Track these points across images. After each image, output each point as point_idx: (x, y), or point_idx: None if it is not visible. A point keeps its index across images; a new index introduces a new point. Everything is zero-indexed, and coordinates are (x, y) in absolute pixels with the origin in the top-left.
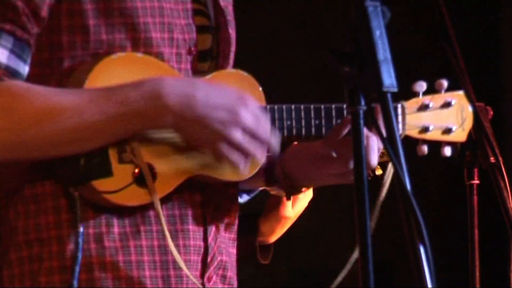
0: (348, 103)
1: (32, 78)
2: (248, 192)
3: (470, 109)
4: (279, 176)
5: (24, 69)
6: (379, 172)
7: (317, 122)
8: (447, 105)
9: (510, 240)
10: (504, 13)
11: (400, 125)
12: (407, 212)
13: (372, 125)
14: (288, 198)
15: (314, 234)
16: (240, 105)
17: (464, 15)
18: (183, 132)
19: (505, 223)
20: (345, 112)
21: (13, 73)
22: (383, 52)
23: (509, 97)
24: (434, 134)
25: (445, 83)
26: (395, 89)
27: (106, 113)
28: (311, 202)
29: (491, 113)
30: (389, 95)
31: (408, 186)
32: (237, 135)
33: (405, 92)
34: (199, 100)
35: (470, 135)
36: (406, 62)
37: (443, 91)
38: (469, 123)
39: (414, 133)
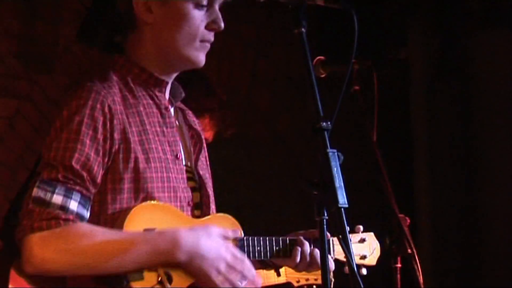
0: (316, 214)
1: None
2: None
3: (377, 244)
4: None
5: (87, 215)
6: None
7: (277, 248)
8: (362, 240)
9: None
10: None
11: (331, 251)
12: (354, 284)
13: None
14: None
15: None
16: (223, 248)
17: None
18: (189, 266)
19: None
20: (292, 242)
21: (81, 217)
22: (339, 181)
23: (420, 209)
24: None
25: (361, 227)
26: (347, 205)
27: (141, 252)
28: None
29: (408, 220)
30: (342, 209)
31: (355, 268)
32: (222, 266)
33: None
34: (202, 246)
35: (394, 234)
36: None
37: (360, 232)
38: (377, 253)
39: (340, 257)
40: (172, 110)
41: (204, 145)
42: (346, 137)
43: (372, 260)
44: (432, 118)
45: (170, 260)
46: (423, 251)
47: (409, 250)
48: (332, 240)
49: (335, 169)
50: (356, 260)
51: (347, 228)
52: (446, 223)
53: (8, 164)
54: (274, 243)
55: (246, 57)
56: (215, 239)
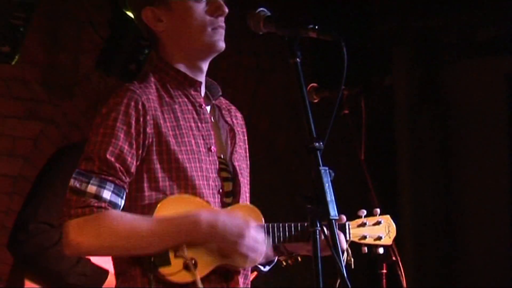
0: (310, 225)
1: (123, 209)
2: (269, 263)
3: (393, 226)
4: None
5: (121, 202)
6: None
7: (295, 233)
8: (378, 223)
9: None
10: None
11: (347, 234)
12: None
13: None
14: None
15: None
16: (244, 229)
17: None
18: (211, 242)
19: None
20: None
21: (114, 205)
22: (330, 196)
23: (403, 220)
24: (369, 240)
25: (378, 210)
26: (337, 218)
27: (167, 234)
28: None
29: None
30: (333, 221)
31: (344, 272)
32: (242, 246)
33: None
34: (220, 225)
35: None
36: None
37: (377, 215)
38: (393, 233)
39: (356, 239)
40: (208, 107)
41: (243, 137)
42: (337, 156)
43: (387, 240)
44: (414, 139)
45: (193, 240)
46: (406, 258)
47: (394, 257)
48: (349, 224)
49: (327, 184)
50: (371, 241)
51: (364, 212)
52: (427, 232)
53: (32, 180)
54: (293, 229)
55: (247, 83)
56: (235, 219)
